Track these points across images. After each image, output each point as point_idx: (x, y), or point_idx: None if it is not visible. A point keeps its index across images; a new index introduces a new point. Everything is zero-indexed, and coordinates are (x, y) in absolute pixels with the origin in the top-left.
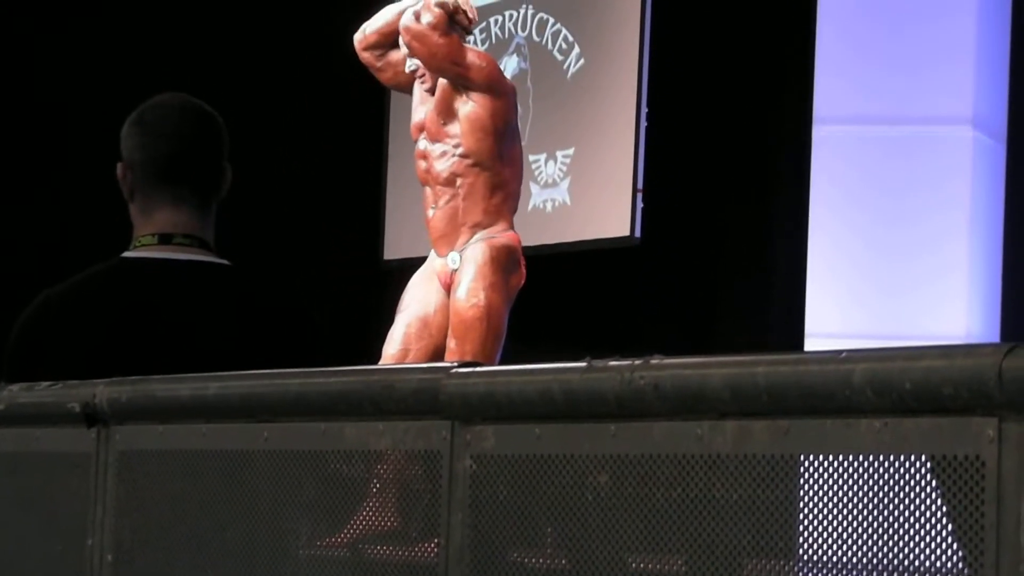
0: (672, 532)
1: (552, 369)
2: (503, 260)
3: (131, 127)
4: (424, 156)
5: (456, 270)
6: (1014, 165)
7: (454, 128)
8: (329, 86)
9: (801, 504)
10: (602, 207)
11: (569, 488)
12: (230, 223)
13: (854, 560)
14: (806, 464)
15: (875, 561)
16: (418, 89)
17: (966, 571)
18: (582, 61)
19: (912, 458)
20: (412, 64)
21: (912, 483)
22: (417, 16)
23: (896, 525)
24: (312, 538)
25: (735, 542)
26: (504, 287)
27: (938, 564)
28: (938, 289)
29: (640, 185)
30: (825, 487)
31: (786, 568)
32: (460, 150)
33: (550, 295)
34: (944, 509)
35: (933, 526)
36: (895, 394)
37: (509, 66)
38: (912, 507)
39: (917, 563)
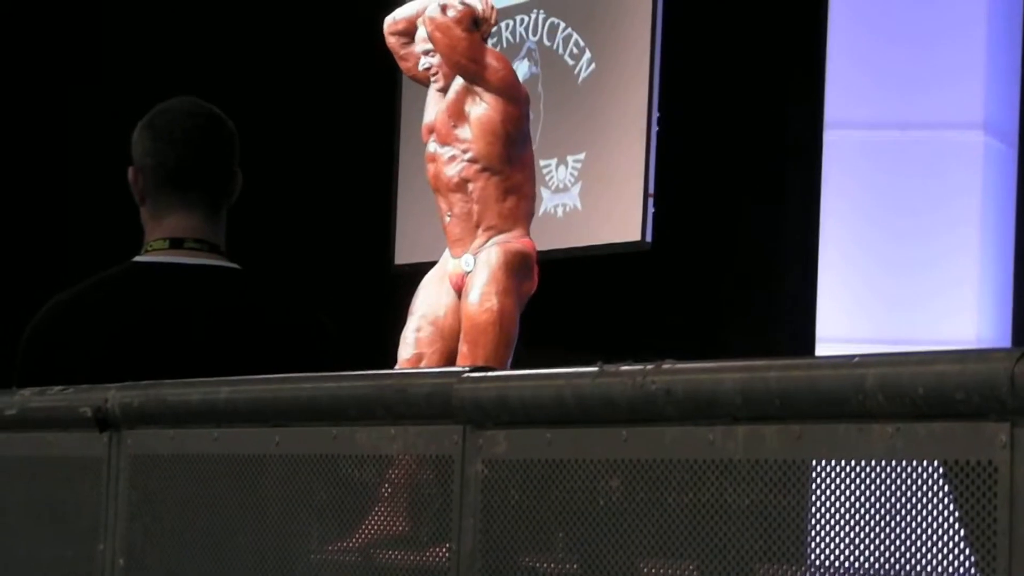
0: (684, 537)
1: (564, 374)
2: (517, 265)
3: (142, 131)
4: (433, 159)
5: (469, 272)
6: None
7: (464, 132)
8: (340, 91)
9: (813, 509)
10: (613, 212)
11: (581, 493)
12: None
13: (866, 566)
14: (818, 469)
15: (887, 567)
16: (432, 90)
17: None
18: (593, 66)
19: (924, 463)
20: (426, 62)
21: (924, 488)
22: (444, 9)
23: (908, 530)
24: (323, 542)
25: (747, 547)
26: (516, 292)
27: (950, 570)
28: (949, 293)
29: (651, 190)
30: (837, 492)
31: (798, 574)
32: (469, 155)
33: (561, 300)
34: (956, 514)
35: (945, 531)
36: (907, 399)
37: (520, 71)
38: (924, 512)
39: (929, 569)
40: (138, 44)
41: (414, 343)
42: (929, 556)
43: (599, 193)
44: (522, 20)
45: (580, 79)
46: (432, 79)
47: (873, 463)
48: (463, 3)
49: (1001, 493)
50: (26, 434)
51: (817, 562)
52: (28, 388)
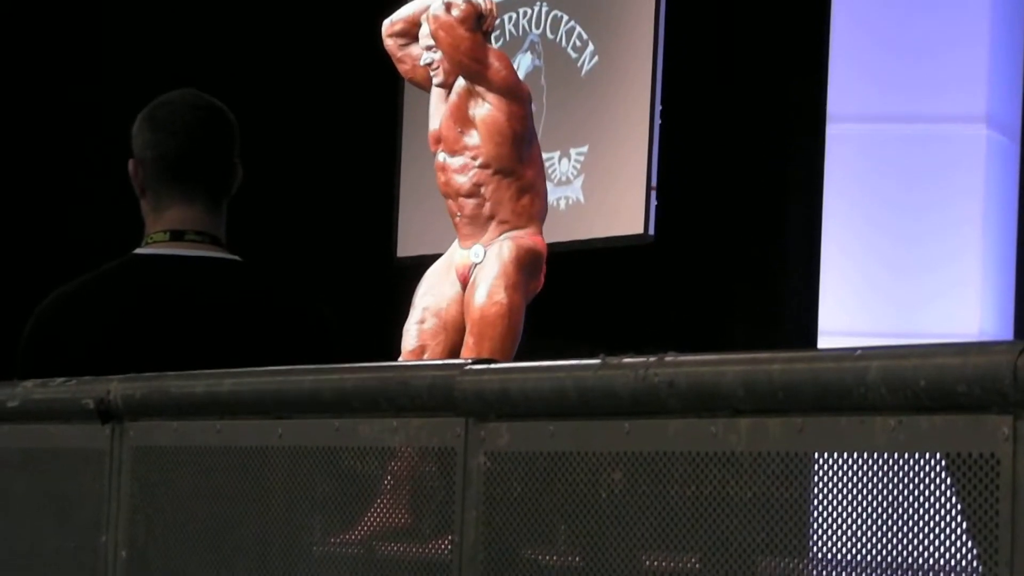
0: (686, 530)
1: (566, 366)
2: (527, 262)
3: (142, 124)
4: (443, 169)
5: (477, 264)
6: None
7: (472, 138)
8: (343, 84)
9: (815, 502)
10: (616, 205)
11: (583, 485)
12: (243, 220)
13: (868, 558)
14: (820, 462)
15: (889, 559)
16: (435, 95)
17: (980, 569)
18: (596, 59)
19: (926, 456)
20: (428, 57)
21: (926, 481)
22: (448, 7)
23: (910, 523)
24: (326, 535)
25: (749, 539)
26: (524, 288)
27: (952, 562)
28: (951, 287)
29: (654, 183)
30: (839, 485)
31: (800, 566)
32: (479, 161)
33: (564, 293)
34: (958, 507)
35: (947, 524)
36: (909, 392)
37: (523, 64)
38: (926, 505)
39: (931, 561)
40: (143, 39)
41: (417, 335)
42: (931, 548)
43: (602, 186)
44: (525, 13)
45: (583, 72)
46: (432, 74)
47: (875, 456)
48: (467, 1)
49: (1003, 486)
50: (28, 426)
51: (819, 554)
52: (30, 380)
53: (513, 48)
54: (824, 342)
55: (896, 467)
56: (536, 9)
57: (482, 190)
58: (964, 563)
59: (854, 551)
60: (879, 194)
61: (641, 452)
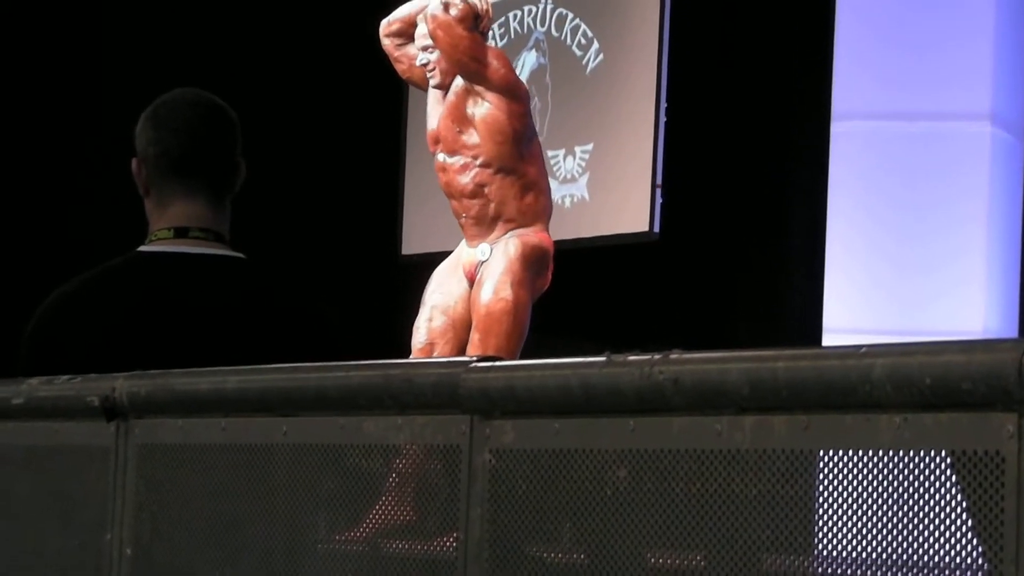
0: (691, 527)
1: (571, 364)
2: (534, 259)
3: (145, 122)
4: (444, 169)
5: (484, 262)
6: None
7: (471, 137)
8: (347, 81)
9: (820, 499)
10: (621, 202)
11: (588, 483)
12: (248, 218)
13: (873, 556)
14: (825, 459)
15: (894, 557)
16: (432, 96)
17: (986, 566)
18: (601, 56)
19: (931, 453)
20: (424, 58)
21: (931, 479)
22: (446, 7)
23: (915, 521)
24: (331, 532)
25: (754, 537)
26: (531, 286)
27: (957, 560)
28: (956, 284)
29: (659, 180)
30: (844, 482)
31: (805, 564)
32: (480, 159)
33: (569, 290)
34: (963, 505)
35: (952, 522)
36: (914, 389)
37: (528, 61)
38: (931, 503)
39: (936, 559)
40: (146, 39)
41: (427, 332)
42: (936, 546)
43: (607, 184)
44: (530, 11)
45: (588, 70)
46: (428, 75)
47: (880, 453)
48: (464, 1)
49: (1008, 483)
50: (33, 423)
51: (824, 552)
52: (35, 377)
53: (518, 46)
54: (829, 340)
55: (901, 465)
56: (541, 7)
57: (485, 190)
58: (969, 560)
59: (859, 549)
60: (884, 192)
61: (646, 449)
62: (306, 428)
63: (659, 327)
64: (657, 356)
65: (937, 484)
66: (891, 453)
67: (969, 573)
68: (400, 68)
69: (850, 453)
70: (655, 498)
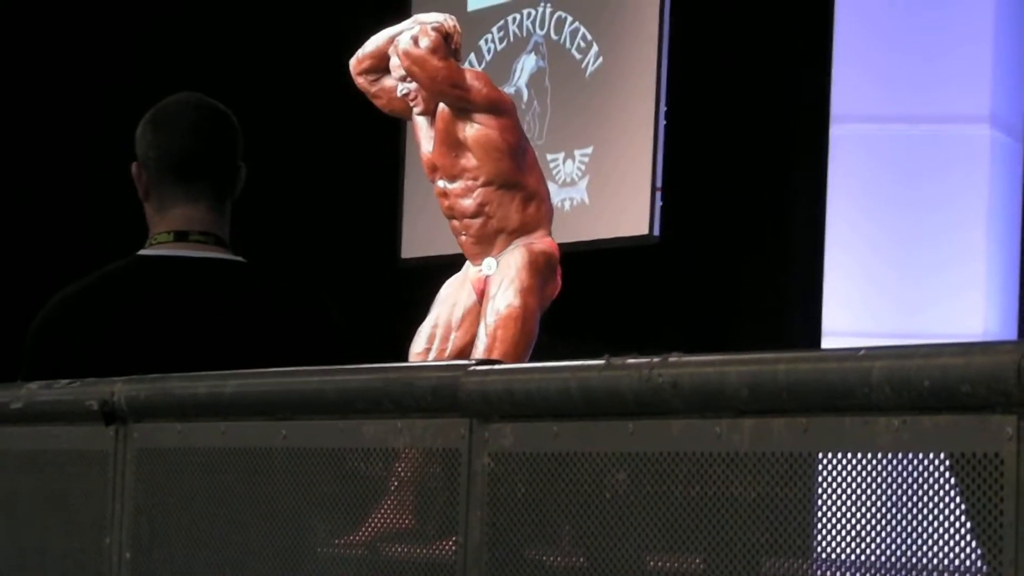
0: (690, 530)
1: (570, 367)
2: (541, 265)
3: (145, 126)
4: (445, 195)
5: (491, 275)
6: None
7: (468, 160)
8: (347, 86)
9: (819, 502)
10: (621, 206)
11: (587, 486)
12: (248, 222)
13: (872, 558)
14: (824, 462)
15: (893, 559)
16: (420, 122)
17: (984, 569)
18: (600, 60)
19: (931, 456)
20: (404, 88)
21: (930, 481)
22: (415, 40)
23: (915, 523)
24: (330, 536)
25: (753, 540)
26: (540, 293)
27: (956, 562)
28: (955, 287)
29: (659, 183)
30: (844, 485)
31: (804, 566)
32: (482, 180)
33: (569, 294)
34: (963, 507)
35: (952, 524)
36: (913, 392)
37: (527, 65)
38: (930, 505)
39: (936, 561)
40: (150, 42)
41: (427, 338)
42: (935, 548)
43: (607, 187)
44: (529, 14)
45: (587, 73)
46: (412, 104)
47: (879, 456)
48: (432, 28)
49: (1007, 485)
50: (33, 427)
51: (824, 555)
52: (35, 382)
53: (517, 49)
54: (828, 342)
55: (900, 467)
56: (540, 10)
57: (486, 208)
58: (968, 563)
59: (858, 551)
60: (883, 194)
61: (645, 452)
62: (305, 432)
63: (658, 330)
64: (656, 359)
65: (936, 486)
66: (890, 455)
67: (968, 575)
68: (379, 103)
69: (849, 455)
70: (654, 501)
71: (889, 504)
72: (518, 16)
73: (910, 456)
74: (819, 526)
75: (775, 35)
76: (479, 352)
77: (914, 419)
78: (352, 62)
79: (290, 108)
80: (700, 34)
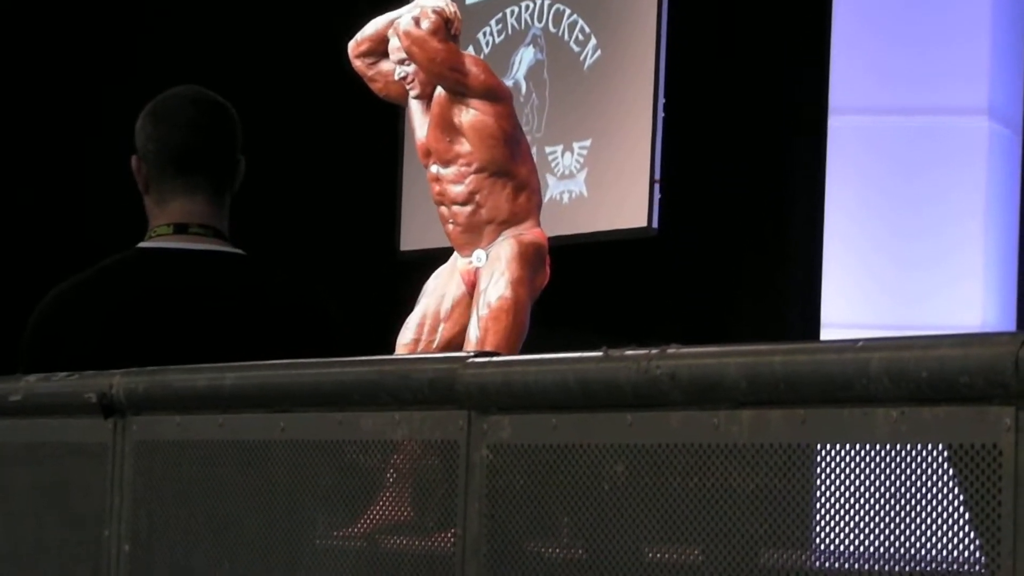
0: (688, 521)
1: (569, 359)
2: (530, 256)
3: (144, 119)
4: (437, 179)
5: (481, 267)
6: None
7: (462, 146)
8: (345, 77)
9: (818, 493)
10: (619, 198)
11: (585, 478)
12: (247, 214)
13: (871, 549)
14: (823, 453)
15: (892, 550)
16: (415, 107)
17: (983, 559)
18: (599, 52)
19: (929, 447)
20: (402, 71)
21: (929, 472)
22: (416, 21)
23: (913, 514)
24: (329, 528)
25: (751, 531)
26: (530, 284)
27: (955, 553)
28: (954, 278)
29: (657, 176)
30: (842, 476)
31: (802, 557)
32: (475, 166)
33: (567, 286)
34: (961, 498)
35: (950, 515)
36: (912, 383)
37: (525, 57)
38: (929, 496)
39: (934, 552)
40: (149, 36)
41: (415, 329)
42: (934, 539)
43: (605, 180)
44: (527, 7)
45: (586, 65)
46: (408, 87)
47: (878, 447)
48: (433, 10)
49: (1006, 476)
50: (31, 420)
51: (822, 546)
52: (33, 374)
53: (516, 41)
54: (827, 334)
55: (899, 458)
56: (538, 2)
57: (477, 196)
58: (967, 554)
59: (857, 542)
60: (881, 186)
61: (643, 444)
62: (304, 424)
63: (657, 322)
64: (654, 351)
65: (934, 477)
66: (888, 447)
67: (967, 566)
68: (376, 87)
69: (847, 447)
70: (653, 493)
71: (887, 495)
72: (516, 9)
73: (908, 447)
74: (818, 517)
75: (773, 27)
76: (471, 344)
77: (912, 410)
78: (351, 44)
79: (289, 101)
80: (698, 27)
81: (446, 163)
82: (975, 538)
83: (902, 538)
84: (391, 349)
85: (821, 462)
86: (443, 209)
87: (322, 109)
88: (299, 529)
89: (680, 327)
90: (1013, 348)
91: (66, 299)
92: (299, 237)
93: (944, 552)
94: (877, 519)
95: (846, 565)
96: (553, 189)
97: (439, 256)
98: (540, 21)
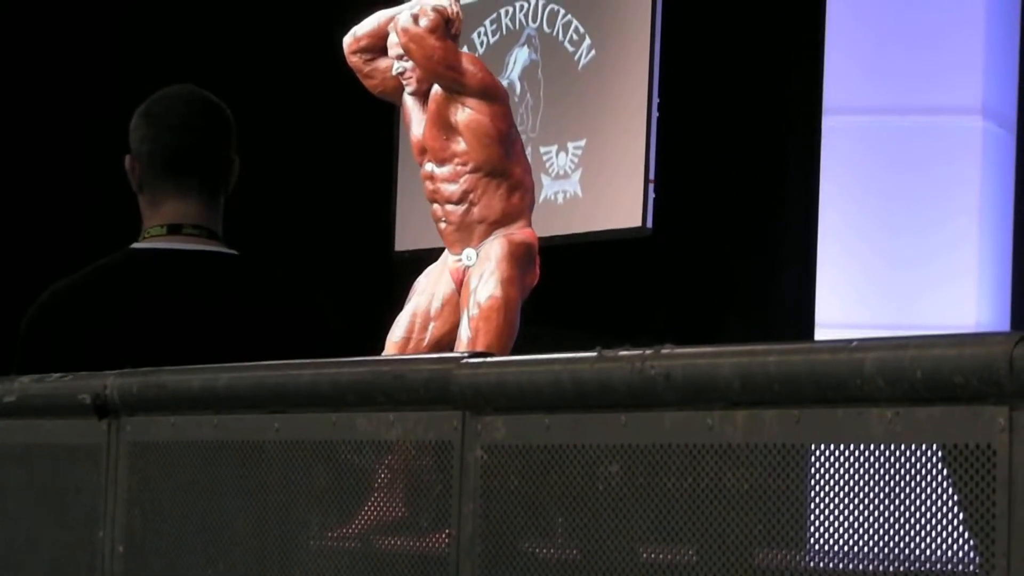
0: (683, 522)
1: (563, 359)
2: (521, 256)
3: (138, 119)
4: (431, 178)
5: (470, 266)
6: None
7: (458, 144)
8: (341, 76)
9: (812, 493)
10: (614, 198)
11: (580, 478)
12: (241, 214)
13: (865, 549)
14: (817, 453)
15: (886, 550)
16: (410, 104)
17: (977, 559)
18: (593, 52)
19: (923, 447)
20: (399, 66)
21: (923, 472)
22: (415, 19)
23: (907, 514)
24: (323, 529)
25: (746, 531)
26: (520, 283)
27: (949, 553)
28: (948, 278)
29: (651, 176)
30: (836, 476)
31: (797, 557)
32: (470, 166)
33: (562, 286)
34: (955, 498)
35: (944, 515)
36: (906, 383)
37: (520, 58)
38: (923, 496)
39: (928, 552)
40: (145, 35)
41: (405, 327)
42: (928, 539)
43: (600, 179)
44: (521, 7)
45: (580, 66)
46: (404, 83)
47: (872, 447)
48: (433, 9)
49: (1000, 476)
50: (25, 421)
51: (816, 546)
52: (27, 375)
53: (510, 42)
54: (821, 334)
55: (893, 458)
56: (533, 3)
57: (471, 196)
58: (961, 554)
59: (851, 542)
60: (876, 186)
61: (638, 444)
62: (298, 424)
63: (651, 322)
64: (648, 351)
65: (928, 477)
66: (883, 447)
67: (960, 566)
68: (372, 84)
69: (842, 447)
70: (647, 493)
71: (882, 495)
72: (510, 9)
73: (903, 447)
74: (812, 517)
75: (767, 27)
76: (462, 344)
77: (907, 410)
78: (348, 40)
79: (284, 100)
80: (692, 26)
81: (441, 161)
82: (969, 538)
83: (896, 538)
84: (385, 348)
85: (815, 462)
86: (436, 207)
87: (317, 108)
88: (294, 530)
89: (674, 327)
90: (1007, 348)
91: (60, 299)
92: (294, 237)
93: (938, 552)
94: (871, 519)
95: (840, 565)
96: (548, 189)
97: (434, 256)
98: (534, 21)
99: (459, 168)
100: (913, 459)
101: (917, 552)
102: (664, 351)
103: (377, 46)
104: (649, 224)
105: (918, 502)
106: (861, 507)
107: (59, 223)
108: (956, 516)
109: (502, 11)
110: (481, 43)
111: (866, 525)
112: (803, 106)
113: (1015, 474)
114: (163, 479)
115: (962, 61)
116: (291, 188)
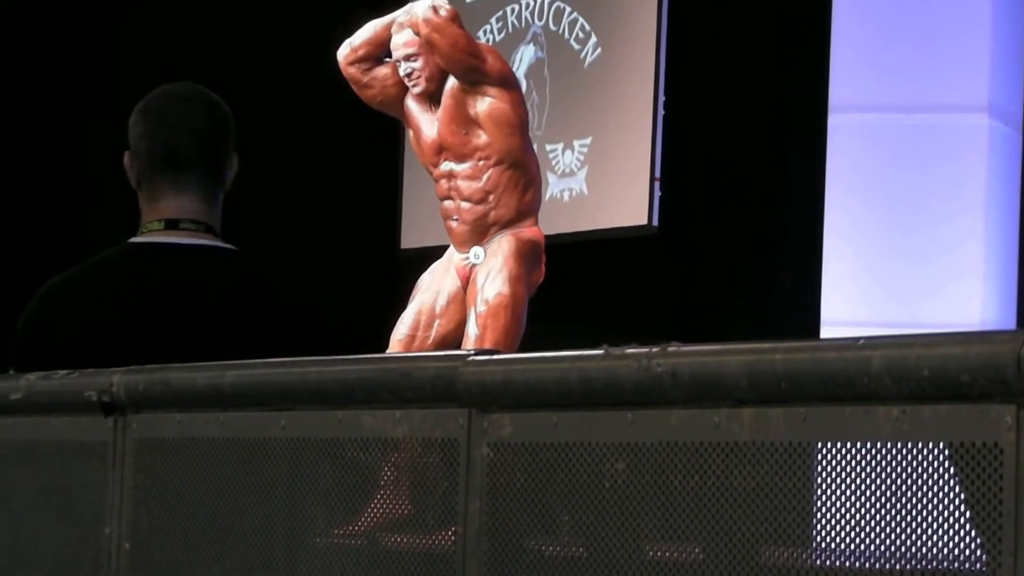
0: (689, 520)
1: (569, 357)
2: (528, 253)
3: (137, 115)
4: (449, 176)
5: (477, 264)
6: None
7: (479, 138)
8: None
9: (818, 492)
10: (620, 196)
11: (586, 476)
12: (247, 211)
13: (872, 548)
14: (823, 451)
15: (892, 548)
16: (415, 109)
17: (984, 558)
18: (599, 50)
19: (930, 445)
20: (407, 67)
21: (930, 470)
22: (435, 10)
23: (914, 512)
24: (329, 526)
25: (752, 529)
26: (526, 281)
27: (956, 551)
28: (954, 276)
29: (657, 174)
30: (842, 474)
31: (803, 556)
32: (493, 159)
33: (568, 284)
34: (962, 496)
35: (951, 513)
36: (913, 381)
37: (526, 55)
38: (930, 494)
39: (935, 550)
40: (147, 33)
41: (410, 325)
42: (935, 538)
43: (606, 178)
44: (527, 4)
45: (586, 63)
46: (411, 85)
47: (879, 445)
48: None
49: (1007, 475)
50: (32, 418)
51: (823, 544)
52: (33, 372)
53: (516, 40)
54: (827, 332)
55: (900, 456)
56: (539, 0)
57: (491, 197)
58: (968, 552)
59: (858, 541)
60: (881, 184)
61: (644, 442)
62: (304, 422)
63: (658, 320)
64: (655, 349)
65: (935, 476)
66: (889, 445)
67: (967, 564)
68: (370, 94)
69: (848, 445)
70: (653, 491)
71: (888, 494)
72: (516, 7)
73: (909, 446)
74: (818, 516)
75: (773, 25)
76: (470, 341)
77: (913, 409)
78: (343, 51)
79: (289, 97)
80: (698, 24)
81: (462, 157)
82: (976, 536)
83: (903, 536)
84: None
85: (822, 460)
86: (449, 204)
87: (322, 106)
88: (300, 527)
89: (681, 325)
90: (1015, 346)
91: (57, 293)
92: (300, 234)
93: (945, 550)
94: (878, 517)
95: (846, 563)
96: (554, 187)
97: (440, 253)
98: (540, 19)
99: (482, 163)
100: (920, 457)
101: (924, 550)
102: (671, 349)
103: (375, 54)
104: (655, 222)
105: (925, 500)
106: (868, 505)
107: (59, 220)
108: (963, 514)
109: (508, 9)
110: (487, 40)
111: (872, 523)
112: (809, 104)
113: (1022, 472)
114: (169, 476)
115: (968, 59)
116: (297, 185)
